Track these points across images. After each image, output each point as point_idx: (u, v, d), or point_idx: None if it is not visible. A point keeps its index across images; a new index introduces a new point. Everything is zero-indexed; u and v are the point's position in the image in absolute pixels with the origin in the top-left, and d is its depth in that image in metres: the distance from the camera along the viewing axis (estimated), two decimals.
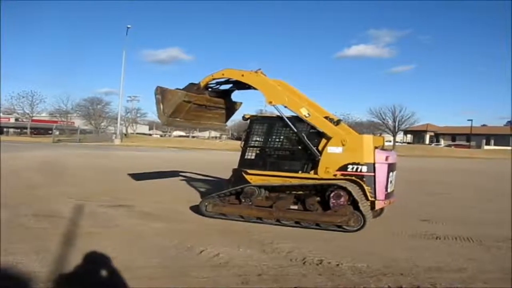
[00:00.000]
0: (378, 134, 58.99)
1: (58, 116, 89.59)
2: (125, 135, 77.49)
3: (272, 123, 9.25)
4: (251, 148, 9.33)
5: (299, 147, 8.88)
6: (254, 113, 10.03)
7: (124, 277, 5.12)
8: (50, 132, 70.98)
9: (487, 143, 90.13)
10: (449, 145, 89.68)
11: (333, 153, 8.45)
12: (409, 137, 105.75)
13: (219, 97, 10.86)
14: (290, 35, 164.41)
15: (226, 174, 15.38)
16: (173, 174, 17.70)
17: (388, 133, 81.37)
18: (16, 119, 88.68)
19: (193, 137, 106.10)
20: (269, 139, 9.22)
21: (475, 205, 12.49)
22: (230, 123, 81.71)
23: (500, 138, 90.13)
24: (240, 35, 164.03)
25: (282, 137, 9.15)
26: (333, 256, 6.26)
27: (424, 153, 56.92)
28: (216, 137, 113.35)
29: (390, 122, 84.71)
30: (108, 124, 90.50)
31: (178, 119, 10.34)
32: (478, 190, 16.84)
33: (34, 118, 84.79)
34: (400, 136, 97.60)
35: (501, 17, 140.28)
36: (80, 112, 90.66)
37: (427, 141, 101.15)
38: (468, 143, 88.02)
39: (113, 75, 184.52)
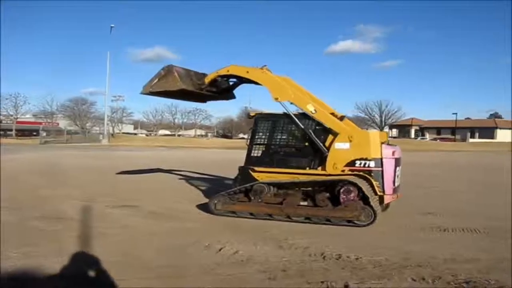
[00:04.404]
0: (366, 129, 59.37)
1: (43, 117, 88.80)
2: (112, 135, 77.06)
3: (277, 120, 9.34)
4: (257, 146, 9.42)
5: (306, 144, 8.99)
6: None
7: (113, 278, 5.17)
8: (35, 133, 70.17)
9: (472, 136, 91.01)
10: (435, 139, 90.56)
11: (340, 149, 8.58)
12: (394, 132, 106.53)
13: (217, 92, 10.89)
14: (279, 33, 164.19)
15: (223, 172, 15.56)
16: (170, 172, 17.77)
17: (374, 128, 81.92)
18: (0, 121, 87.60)
19: (179, 135, 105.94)
20: (275, 136, 9.33)
21: (470, 197, 12.74)
22: (215, 120, 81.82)
23: (484, 131, 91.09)
24: (227, 33, 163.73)
25: (288, 134, 9.26)
26: (350, 250, 6.37)
27: (411, 147, 57.18)
28: (201, 135, 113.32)
29: (377, 117, 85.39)
30: (93, 124, 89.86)
31: (155, 95, 10.68)
32: (470, 182, 17.12)
33: (18, 120, 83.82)
34: (385, 131, 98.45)
35: (487, 12, 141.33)
36: (65, 112, 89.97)
37: (412, 135, 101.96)
38: (453, 137, 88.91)
39: (97, 75, 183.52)
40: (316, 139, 8.79)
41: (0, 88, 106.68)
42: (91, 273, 5.42)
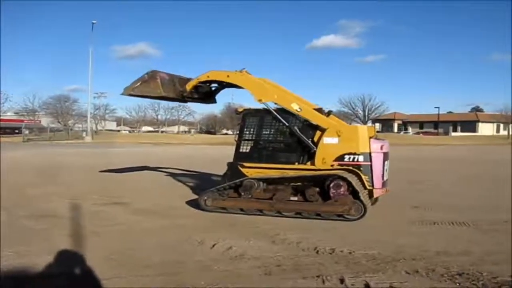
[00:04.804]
0: (348, 124, 59.73)
1: (26, 114, 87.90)
2: (95, 132, 76.51)
3: (265, 116, 9.35)
4: (245, 142, 9.44)
5: (295, 139, 9.02)
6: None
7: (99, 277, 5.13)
8: (17, 131, 69.38)
9: (454, 130, 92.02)
10: (418, 133, 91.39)
11: (329, 144, 8.63)
12: (377, 126, 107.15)
13: (199, 97, 11.07)
14: (261, 28, 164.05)
15: (210, 168, 15.56)
16: (157, 170, 17.69)
17: (358, 123, 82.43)
18: None
19: (162, 131, 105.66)
20: (264, 132, 9.36)
21: (456, 190, 12.90)
22: (198, 116, 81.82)
23: (466, 125, 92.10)
24: (209, 28, 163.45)
25: (276, 129, 9.28)
26: (343, 245, 6.42)
27: (395, 141, 57.40)
28: (185, 131, 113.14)
29: (360, 112, 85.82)
30: (75, 122, 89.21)
31: (136, 96, 10.81)
32: (456, 176, 17.33)
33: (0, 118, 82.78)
34: (369, 125, 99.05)
35: (467, 7, 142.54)
36: (47, 110, 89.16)
37: (395, 130, 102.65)
38: (436, 130, 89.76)
39: (80, 72, 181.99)
40: (303, 136, 8.85)
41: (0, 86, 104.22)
42: (85, 271, 5.38)
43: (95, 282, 5.00)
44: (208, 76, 10.13)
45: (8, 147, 38.93)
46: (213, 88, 11.06)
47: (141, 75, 10.22)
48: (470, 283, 4.90)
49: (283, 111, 9.11)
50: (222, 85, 10.75)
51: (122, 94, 10.32)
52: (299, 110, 8.99)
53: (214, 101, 11.68)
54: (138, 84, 10.14)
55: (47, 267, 5.45)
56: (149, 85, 10.06)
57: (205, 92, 10.88)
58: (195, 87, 10.43)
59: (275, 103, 9.27)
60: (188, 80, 10.47)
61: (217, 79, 10.25)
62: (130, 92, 10.28)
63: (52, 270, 5.39)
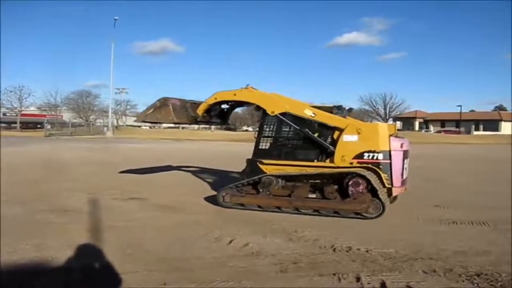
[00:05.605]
0: (369, 121, 59.53)
1: (48, 109, 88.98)
2: (116, 127, 77.15)
3: (285, 112, 9.32)
4: (265, 138, 9.41)
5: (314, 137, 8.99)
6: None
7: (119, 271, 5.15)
8: (39, 126, 70.29)
9: (476, 129, 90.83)
10: (439, 131, 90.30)
11: (349, 141, 8.56)
12: (398, 124, 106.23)
13: (211, 120, 11.18)
14: (283, 26, 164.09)
15: (230, 165, 15.56)
16: (179, 169, 17.64)
17: (379, 120, 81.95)
18: (4, 114, 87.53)
19: (183, 127, 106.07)
20: (283, 129, 9.31)
21: (478, 190, 12.69)
22: None
23: (488, 123, 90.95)
24: (231, 26, 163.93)
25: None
26: (360, 243, 6.38)
27: (415, 139, 56.91)
28: (205, 128, 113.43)
29: (381, 109, 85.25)
30: (97, 117, 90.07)
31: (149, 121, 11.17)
32: (476, 175, 17.12)
33: (22, 112, 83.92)
34: (389, 123, 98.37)
35: (491, 5, 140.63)
36: (69, 105, 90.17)
37: (416, 128, 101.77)
38: (457, 129, 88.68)
39: (101, 68, 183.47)
40: (318, 139, 8.85)
41: (0, 81, 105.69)
42: (102, 266, 5.43)
43: (113, 276, 5.03)
44: (215, 98, 10.08)
45: (31, 141, 39.48)
46: (225, 110, 11.14)
47: (153, 103, 10.41)
48: (488, 284, 4.84)
49: (299, 118, 9.10)
50: (232, 105, 10.89)
51: (136, 121, 10.73)
52: (313, 115, 8.98)
53: (226, 122, 11.84)
54: (151, 111, 10.34)
55: (65, 261, 5.51)
56: (160, 112, 10.20)
57: (218, 114, 10.96)
58: (207, 111, 10.46)
59: (289, 113, 9.21)
60: (200, 104, 10.51)
61: (225, 99, 10.20)
62: (143, 119, 10.68)
63: (70, 264, 5.45)
